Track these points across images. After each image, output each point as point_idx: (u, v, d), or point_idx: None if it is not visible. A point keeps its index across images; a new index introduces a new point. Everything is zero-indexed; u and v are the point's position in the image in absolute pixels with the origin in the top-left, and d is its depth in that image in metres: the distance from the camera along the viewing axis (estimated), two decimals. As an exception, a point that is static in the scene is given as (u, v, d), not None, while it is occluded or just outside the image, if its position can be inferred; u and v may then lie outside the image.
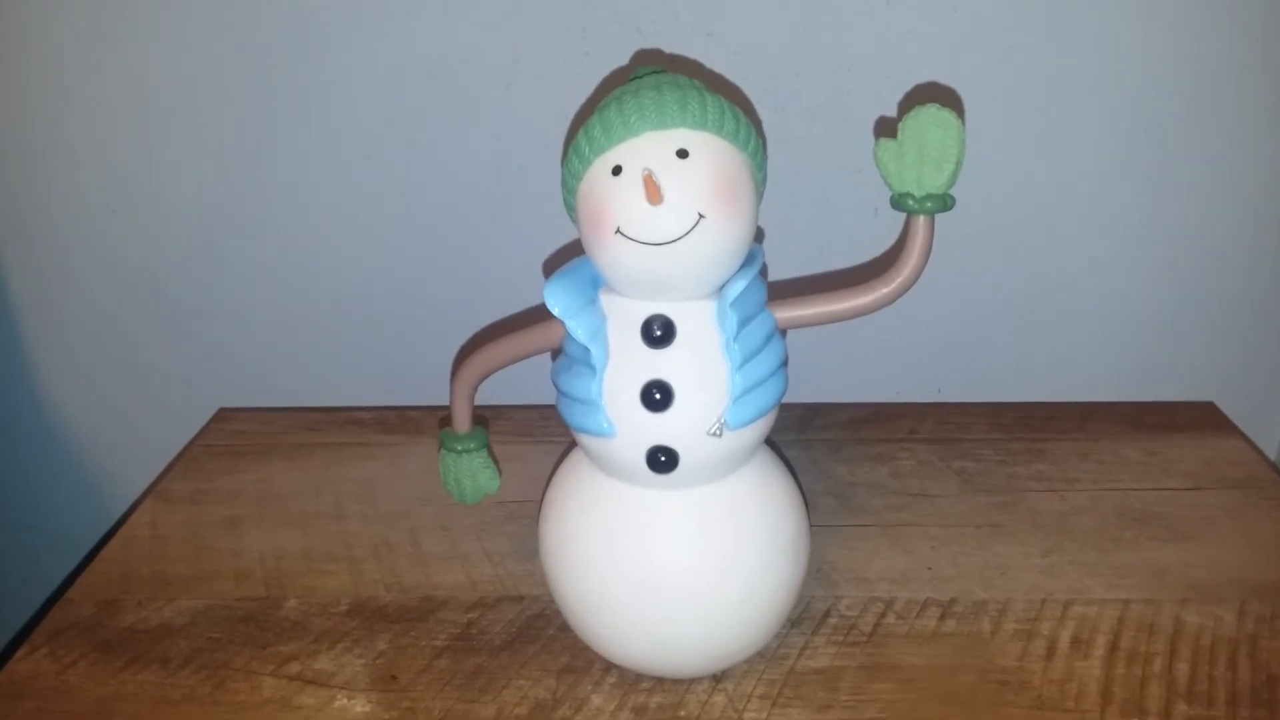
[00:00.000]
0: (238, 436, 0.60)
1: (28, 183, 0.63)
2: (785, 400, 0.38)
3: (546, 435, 0.59)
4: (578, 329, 0.36)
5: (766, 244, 0.41)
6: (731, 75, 0.58)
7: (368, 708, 0.40)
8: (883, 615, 0.44)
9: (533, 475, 0.52)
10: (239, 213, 0.63)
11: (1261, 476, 0.54)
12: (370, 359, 0.68)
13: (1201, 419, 0.60)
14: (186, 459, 0.58)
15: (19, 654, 0.43)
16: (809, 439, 0.58)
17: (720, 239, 0.35)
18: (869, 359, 0.66)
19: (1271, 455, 0.57)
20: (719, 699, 0.40)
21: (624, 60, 0.57)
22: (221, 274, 0.65)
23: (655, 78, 0.37)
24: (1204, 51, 0.57)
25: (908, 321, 0.64)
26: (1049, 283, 0.64)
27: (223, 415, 0.63)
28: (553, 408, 0.40)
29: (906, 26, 0.57)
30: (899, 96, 0.58)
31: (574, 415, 0.37)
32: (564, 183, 0.37)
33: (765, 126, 0.58)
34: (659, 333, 0.36)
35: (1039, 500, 0.52)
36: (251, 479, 0.56)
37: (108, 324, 0.67)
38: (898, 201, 0.35)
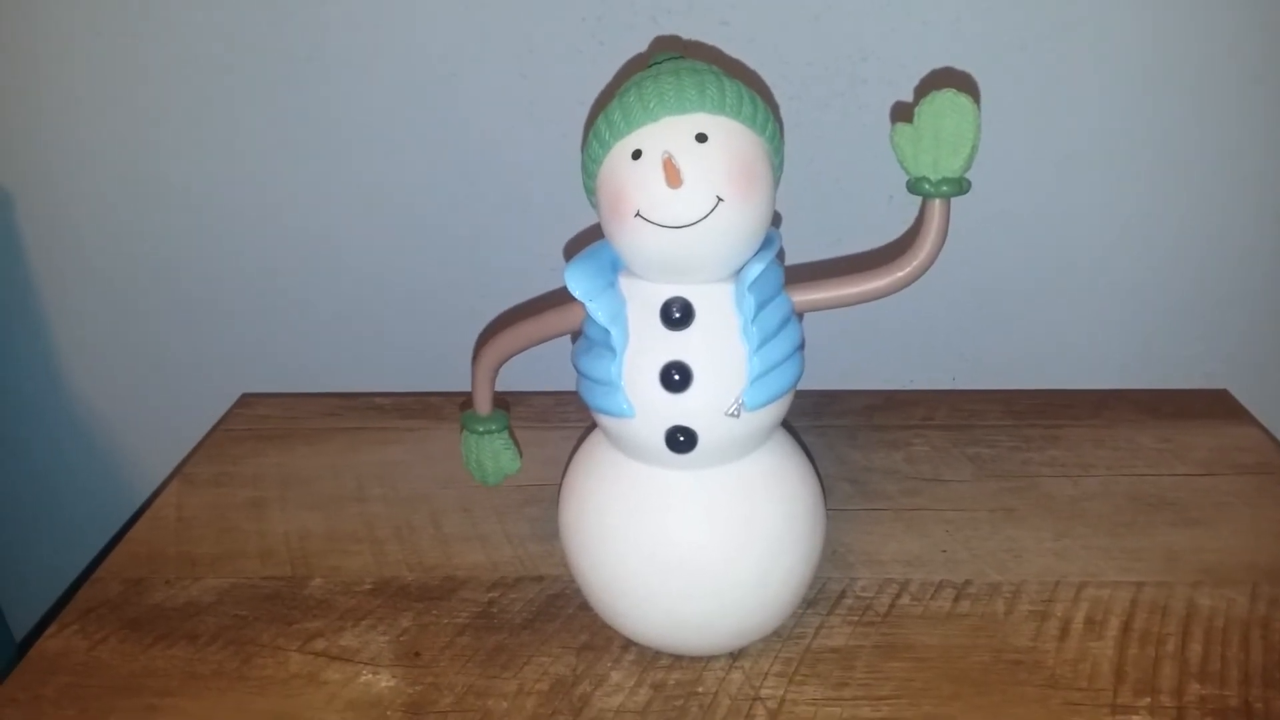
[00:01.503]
0: (260, 421, 0.61)
1: (51, 172, 0.64)
2: (800, 387, 0.39)
3: (565, 420, 0.60)
4: (598, 311, 0.37)
5: (784, 229, 0.42)
6: (746, 63, 0.58)
7: (392, 682, 0.41)
8: (898, 596, 0.45)
9: (551, 459, 0.53)
10: (261, 202, 0.64)
11: (1274, 463, 0.54)
12: (390, 346, 0.68)
13: (1216, 406, 0.60)
14: (210, 443, 0.59)
15: (50, 631, 0.44)
16: (824, 425, 0.59)
17: (738, 222, 0.35)
18: (883, 347, 0.67)
19: (1286, 442, 0.57)
20: (736, 676, 0.40)
21: (639, 49, 0.58)
22: (244, 263, 0.66)
23: (674, 64, 0.37)
24: (1209, 46, 0.57)
25: (923, 308, 0.64)
26: (1064, 270, 0.64)
27: (245, 401, 0.64)
28: (571, 393, 0.40)
29: (921, 16, 0.57)
30: (913, 85, 0.58)
31: (594, 396, 0.38)
32: (584, 167, 0.38)
33: (781, 113, 0.59)
34: (678, 315, 0.36)
35: (1053, 485, 0.53)
36: (274, 463, 0.57)
37: (133, 313, 0.68)
38: (914, 186, 0.36)
